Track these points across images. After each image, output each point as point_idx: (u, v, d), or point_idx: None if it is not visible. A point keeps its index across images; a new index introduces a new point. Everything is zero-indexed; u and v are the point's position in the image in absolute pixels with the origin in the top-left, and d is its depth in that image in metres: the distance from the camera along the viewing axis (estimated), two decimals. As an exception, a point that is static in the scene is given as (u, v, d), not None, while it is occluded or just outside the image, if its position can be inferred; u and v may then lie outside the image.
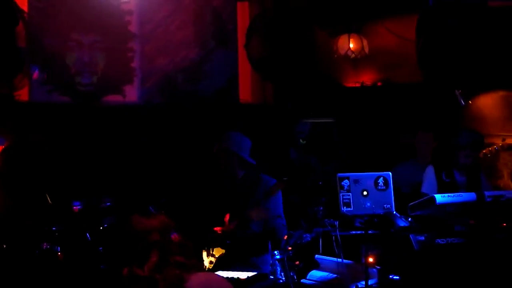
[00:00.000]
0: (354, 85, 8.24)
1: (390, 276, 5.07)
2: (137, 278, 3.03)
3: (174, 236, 3.17)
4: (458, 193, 5.37)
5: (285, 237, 5.89)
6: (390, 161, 7.06)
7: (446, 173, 6.09)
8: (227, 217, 5.55)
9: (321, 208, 6.30)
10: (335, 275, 5.30)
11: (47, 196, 6.10)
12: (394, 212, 5.02)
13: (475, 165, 6.09)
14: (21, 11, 7.22)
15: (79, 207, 6.20)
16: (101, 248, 5.97)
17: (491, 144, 7.09)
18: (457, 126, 6.79)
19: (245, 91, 8.41)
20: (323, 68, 8.19)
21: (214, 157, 5.64)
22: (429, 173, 6.17)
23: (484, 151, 6.84)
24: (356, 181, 5.01)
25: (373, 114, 7.90)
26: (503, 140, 7.13)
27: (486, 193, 5.24)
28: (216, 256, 5.48)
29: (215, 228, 5.51)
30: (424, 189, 6.15)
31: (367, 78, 8.18)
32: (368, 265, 4.91)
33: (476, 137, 6.11)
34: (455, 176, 6.07)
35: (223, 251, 5.49)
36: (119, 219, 6.31)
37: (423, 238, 5.15)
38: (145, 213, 3.25)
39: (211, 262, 5.48)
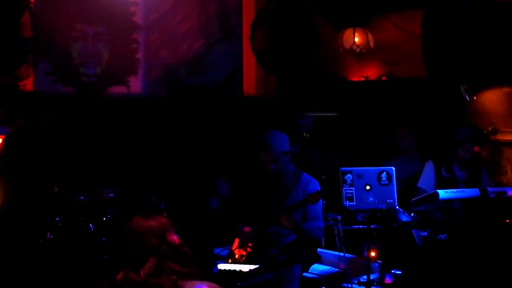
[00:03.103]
0: (358, 79, 8.23)
1: (392, 271, 5.08)
2: (131, 283, 2.96)
3: (174, 238, 3.10)
4: (462, 189, 5.37)
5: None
6: (393, 156, 7.06)
7: (445, 169, 6.06)
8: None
9: (324, 202, 6.32)
10: (337, 269, 5.31)
11: (54, 185, 6.10)
12: (397, 207, 5.02)
13: (476, 160, 6.07)
14: (27, 1, 7.20)
15: (82, 197, 6.21)
16: (104, 238, 5.98)
17: (495, 141, 7.07)
18: (461, 122, 6.77)
19: (249, 84, 8.40)
20: (328, 62, 8.17)
21: (260, 162, 5.35)
22: (428, 168, 6.14)
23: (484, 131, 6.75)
24: (359, 176, 5.00)
25: (377, 108, 7.89)
26: (491, 125, 7.07)
27: (489, 189, 5.24)
28: (248, 251, 5.32)
29: (245, 228, 5.29)
30: (421, 184, 6.09)
31: (371, 72, 8.16)
32: (370, 259, 4.92)
33: (476, 131, 6.08)
34: (454, 171, 6.05)
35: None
36: (122, 211, 6.31)
37: (425, 233, 5.15)
38: (147, 214, 3.18)
39: (241, 256, 5.33)
